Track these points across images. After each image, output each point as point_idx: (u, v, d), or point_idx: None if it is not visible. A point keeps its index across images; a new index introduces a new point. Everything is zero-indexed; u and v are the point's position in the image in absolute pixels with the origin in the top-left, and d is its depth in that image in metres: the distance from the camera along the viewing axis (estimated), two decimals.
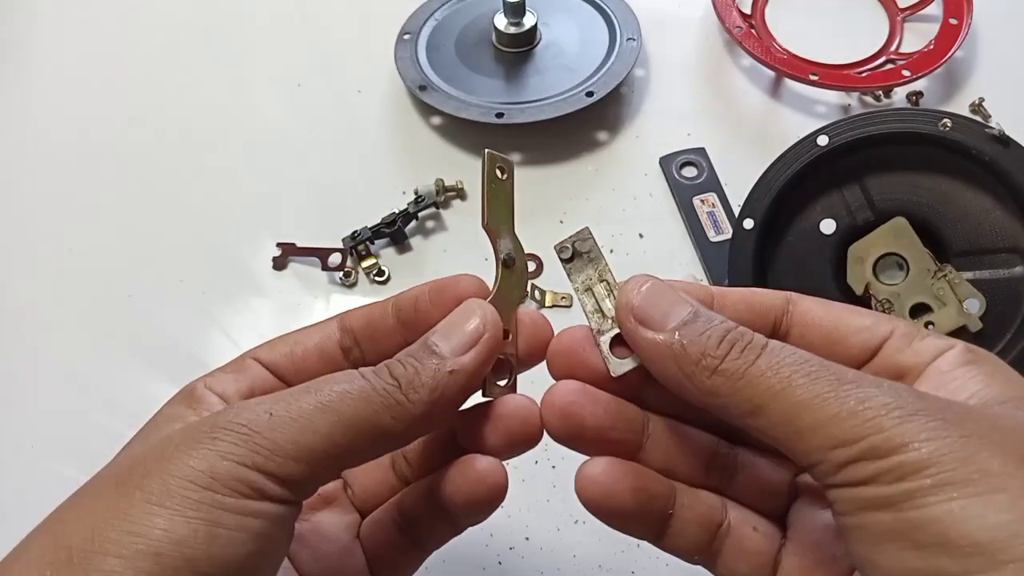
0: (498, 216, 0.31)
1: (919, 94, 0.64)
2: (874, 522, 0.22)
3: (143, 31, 0.74)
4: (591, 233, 0.31)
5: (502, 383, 0.30)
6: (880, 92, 0.64)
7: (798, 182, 0.52)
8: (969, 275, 0.48)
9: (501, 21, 0.65)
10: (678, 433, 0.29)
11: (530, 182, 0.62)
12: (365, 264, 0.58)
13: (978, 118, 0.63)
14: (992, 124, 0.47)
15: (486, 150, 0.31)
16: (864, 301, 0.50)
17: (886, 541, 0.21)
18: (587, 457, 0.28)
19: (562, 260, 0.31)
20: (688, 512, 0.29)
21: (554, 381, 0.29)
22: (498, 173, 0.31)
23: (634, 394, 0.29)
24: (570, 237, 0.31)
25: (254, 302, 0.57)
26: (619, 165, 0.63)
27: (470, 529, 0.48)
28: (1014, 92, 0.65)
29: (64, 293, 0.58)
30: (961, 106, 0.64)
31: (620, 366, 0.29)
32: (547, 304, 0.56)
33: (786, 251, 0.53)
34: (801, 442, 0.23)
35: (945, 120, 0.48)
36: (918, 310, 0.49)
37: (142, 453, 0.24)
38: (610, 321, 0.29)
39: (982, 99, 0.63)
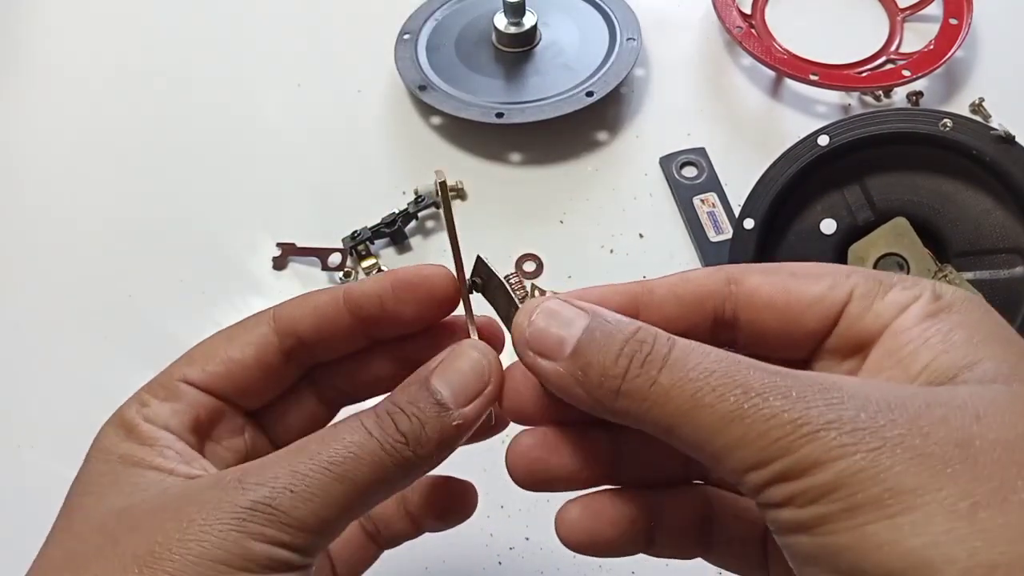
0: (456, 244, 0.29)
1: (919, 94, 0.64)
2: (796, 543, 0.20)
3: (143, 31, 0.74)
4: (482, 258, 0.29)
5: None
6: (880, 92, 0.64)
7: (799, 182, 0.52)
8: (969, 275, 0.48)
9: (501, 21, 0.65)
10: (649, 439, 0.25)
11: (530, 182, 0.62)
12: (365, 264, 0.58)
13: (978, 118, 0.63)
14: (995, 124, 0.47)
15: (437, 172, 0.30)
16: None
17: (809, 564, 0.20)
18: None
19: (483, 294, 0.30)
20: (671, 518, 0.28)
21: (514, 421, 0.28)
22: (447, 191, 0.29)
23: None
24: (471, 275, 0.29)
25: (254, 302, 0.57)
26: (619, 165, 0.63)
27: (470, 529, 0.48)
28: (1014, 92, 0.65)
29: (64, 293, 0.58)
30: (961, 106, 0.64)
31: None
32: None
33: (787, 251, 0.53)
34: (717, 464, 0.21)
35: (946, 120, 0.48)
36: None
37: (151, 529, 0.23)
38: None
39: (982, 99, 0.63)
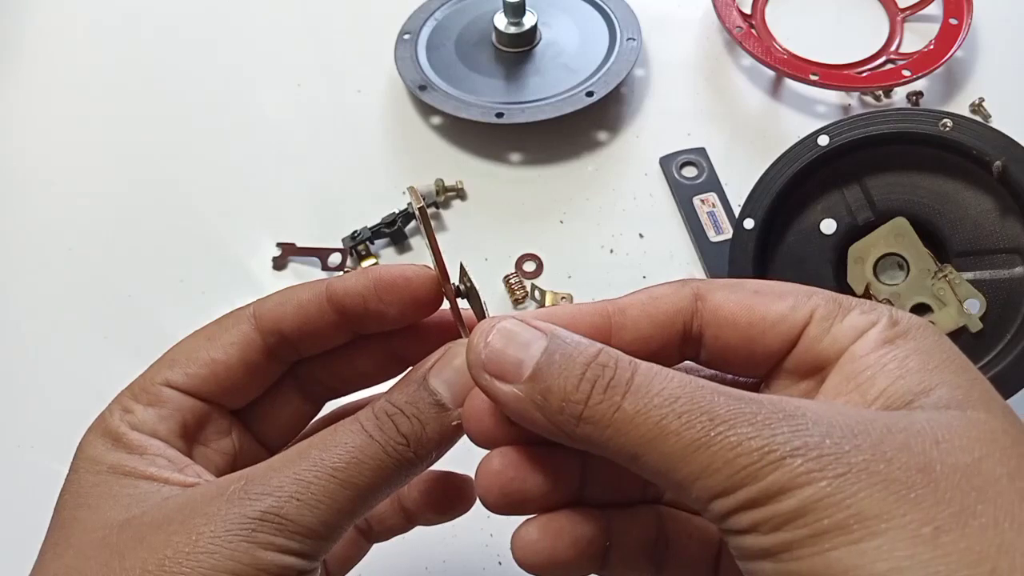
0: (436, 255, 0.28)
1: (919, 94, 0.64)
2: (760, 570, 0.20)
3: (142, 31, 0.74)
4: (463, 266, 0.29)
5: None
6: (880, 92, 0.64)
7: (799, 182, 0.52)
8: (969, 275, 0.48)
9: (501, 21, 0.65)
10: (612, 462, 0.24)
11: (530, 182, 0.62)
12: (365, 264, 0.58)
13: (978, 118, 0.63)
14: (996, 163, 0.47)
15: (410, 188, 0.29)
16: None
17: None
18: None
19: (458, 295, 0.29)
20: (626, 538, 0.27)
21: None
22: (423, 202, 0.29)
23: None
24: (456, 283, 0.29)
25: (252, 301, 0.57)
26: (619, 165, 0.63)
27: (470, 529, 0.48)
28: (1014, 92, 0.65)
29: (64, 293, 0.58)
30: (961, 106, 0.64)
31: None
32: (547, 304, 0.56)
33: (787, 251, 0.53)
34: (682, 492, 0.21)
35: (946, 120, 0.48)
36: (918, 310, 0.49)
37: (159, 543, 0.23)
38: None
39: (982, 99, 0.64)
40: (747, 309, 0.26)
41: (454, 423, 0.26)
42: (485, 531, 0.48)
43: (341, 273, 0.57)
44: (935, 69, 0.62)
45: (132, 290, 0.58)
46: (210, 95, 0.69)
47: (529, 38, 0.66)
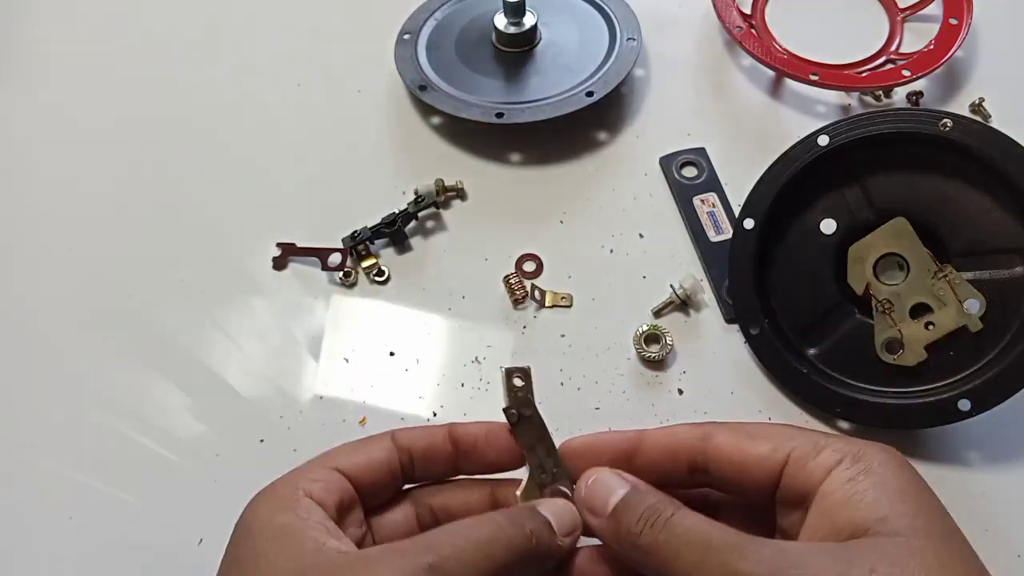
0: (529, 436, 0.37)
1: (919, 94, 0.64)
2: None
3: (142, 31, 0.74)
4: (531, 393, 0.38)
5: None
6: (880, 92, 0.64)
7: (799, 182, 0.52)
8: (969, 275, 0.48)
9: (501, 21, 0.65)
10: None
11: (530, 182, 0.62)
12: (365, 264, 0.58)
13: (978, 118, 0.63)
14: (944, 121, 0.48)
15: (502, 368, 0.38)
16: (865, 301, 0.50)
17: None
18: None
19: (510, 422, 0.37)
20: None
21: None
22: (516, 383, 0.37)
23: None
24: (512, 396, 0.37)
25: (255, 302, 0.57)
26: (619, 165, 0.63)
27: None
28: (1014, 92, 0.65)
29: (64, 293, 0.58)
30: (961, 106, 0.64)
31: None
32: (547, 304, 0.56)
33: (786, 251, 0.53)
34: None
35: (945, 120, 0.48)
36: (918, 310, 0.49)
37: None
38: (550, 475, 0.37)
39: (982, 99, 0.64)
40: (739, 449, 0.34)
41: (557, 543, 0.33)
42: None
43: (340, 273, 0.57)
44: (935, 69, 0.62)
45: (132, 290, 0.58)
46: (210, 95, 0.69)
47: (529, 38, 0.66)
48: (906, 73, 0.62)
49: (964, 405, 0.46)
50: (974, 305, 0.48)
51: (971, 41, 0.67)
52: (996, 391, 0.46)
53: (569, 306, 0.56)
